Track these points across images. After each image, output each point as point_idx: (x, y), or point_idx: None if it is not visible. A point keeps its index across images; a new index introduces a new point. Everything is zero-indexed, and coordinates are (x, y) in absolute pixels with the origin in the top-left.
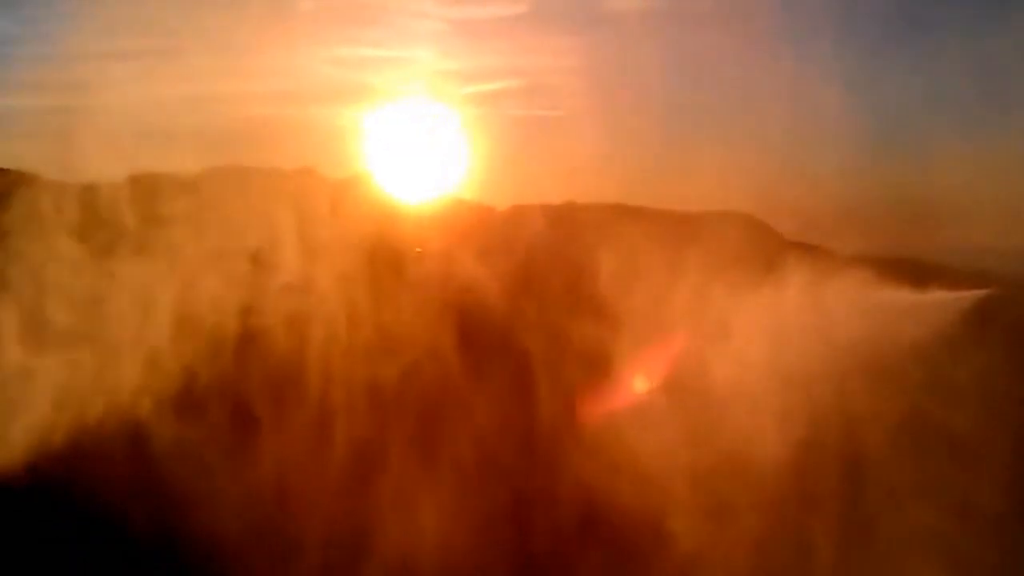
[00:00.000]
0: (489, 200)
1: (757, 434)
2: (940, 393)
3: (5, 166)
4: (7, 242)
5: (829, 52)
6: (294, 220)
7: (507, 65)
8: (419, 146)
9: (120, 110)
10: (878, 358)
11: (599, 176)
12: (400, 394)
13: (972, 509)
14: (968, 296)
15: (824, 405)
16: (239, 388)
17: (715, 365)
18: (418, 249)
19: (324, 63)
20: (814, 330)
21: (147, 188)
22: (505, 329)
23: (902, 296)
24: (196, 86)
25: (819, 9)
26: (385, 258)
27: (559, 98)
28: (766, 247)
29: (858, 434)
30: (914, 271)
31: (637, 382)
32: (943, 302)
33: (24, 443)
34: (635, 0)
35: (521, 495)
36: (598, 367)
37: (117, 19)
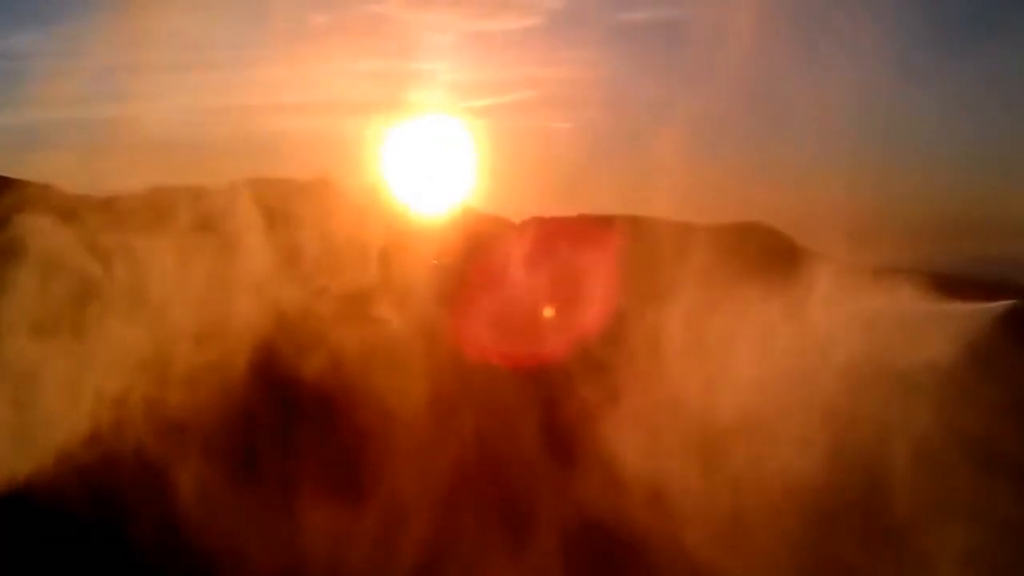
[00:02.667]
0: (505, 212)
1: (780, 452)
2: (969, 405)
3: (31, 179)
4: (31, 253)
5: (856, 61)
6: (311, 230)
7: (522, 77)
8: (434, 157)
9: (145, 122)
10: (904, 369)
11: (614, 188)
12: (422, 406)
13: (1009, 526)
14: (997, 307)
15: (849, 419)
16: (253, 405)
17: (737, 379)
18: (435, 261)
19: (341, 76)
20: (837, 341)
21: (169, 200)
22: (530, 340)
23: (929, 306)
24: (216, 99)
25: (847, 17)
26: (403, 269)
27: (573, 110)
28: (786, 258)
29: (886, 449)
30: (939, 283)
31: (657, 397)
32: (971, 313)
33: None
34: (649, 11)
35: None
36: (616, 381)
37: (142, 33)
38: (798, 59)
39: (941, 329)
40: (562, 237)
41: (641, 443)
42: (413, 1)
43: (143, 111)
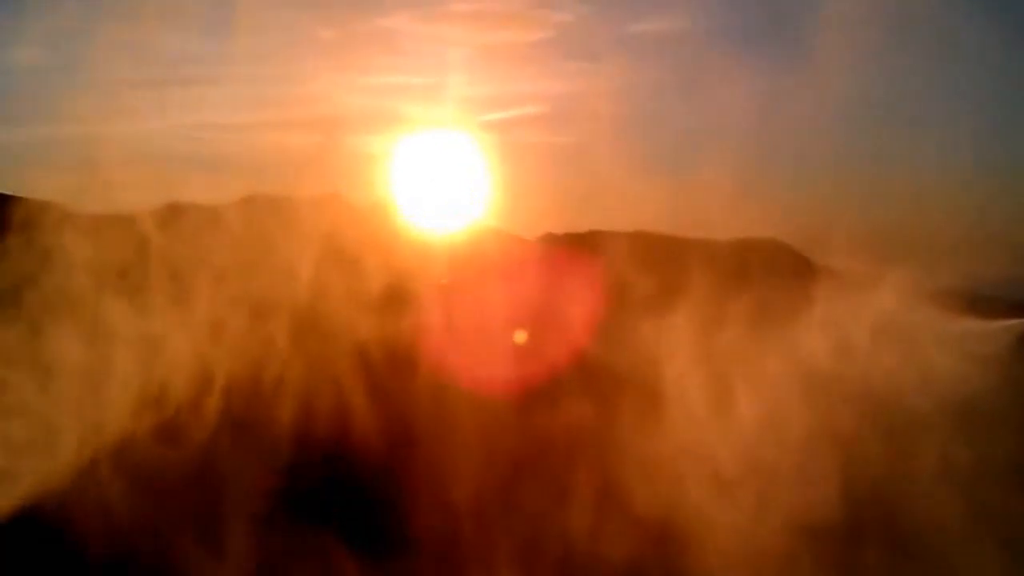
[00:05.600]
0: (516, 228)
1: (797, 480)
2: (993, 425)
3: (35, 196)
4: (34, 273)
5: (879, 71)
6: (321, 248)
7: (533, 90)
8: (444, 173)
9: (148, 139)
10: (924, 390)
11: (627, 203)
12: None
13: None
14: (1019, 324)
15: (868, 443)
16: (261, 432)
17: (753, 401)
18: (444, 279)
19: (349, 91)
20: (853, 361)
21: (176, 218)
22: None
23: (950, 325)
24: (222, 115)
25: (866, 26)
26: (411, 286)
27: (586, 123)
28: (800, 275)
29: (907, 475)
30: (960, 301)
31: (669, 419)
32: (994, 331)
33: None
34: (662, 23)
35: None
36: (632, 402)
37: (147, 48)
38: (816, 70)
39: (962, 348)
40: (575, 253)
41: (652, 475)
42: (421, 15)
43: (146, 127)
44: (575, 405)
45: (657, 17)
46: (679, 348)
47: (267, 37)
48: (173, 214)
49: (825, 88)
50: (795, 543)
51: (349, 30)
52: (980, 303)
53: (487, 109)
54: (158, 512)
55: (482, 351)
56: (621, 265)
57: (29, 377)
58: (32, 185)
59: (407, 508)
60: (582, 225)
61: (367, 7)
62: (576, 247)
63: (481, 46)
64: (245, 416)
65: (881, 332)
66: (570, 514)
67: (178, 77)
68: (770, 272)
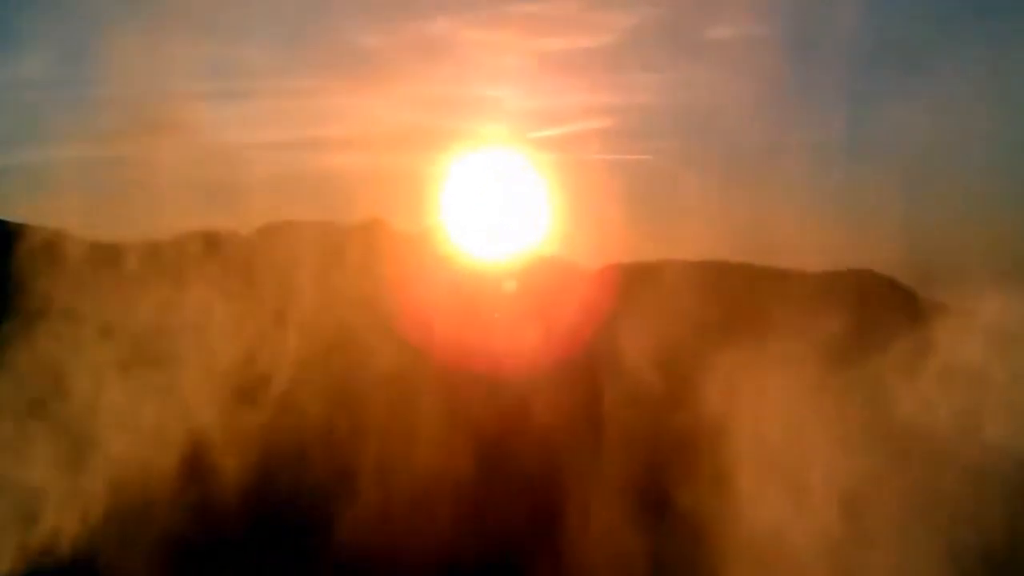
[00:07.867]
0: (575, 257)
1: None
2: None
3: (47, 224)
4: (51, 305)
5: (959, 82)
6: (358, 279)
7: (594, 103)
8: (497, 195)
9: (178, 160)
10: None
11: (698, 229)
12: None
13: None
14: None
15: (977, 496)
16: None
17: (855, 446)
18: (496, 314)
19: (394, 105)
20: (960, 405)
21: (205, 245)
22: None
23: None
24: (254, 134)
25: (940, 35)
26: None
27: (653, 140)
28: (898, 310)
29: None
30: None
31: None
32: None
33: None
34: (740, 27)
35: None
36: (706, 454)
37: (171, 60)
38: (914, 83)
39: None
40: (644, 286)
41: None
42: (472, 19)
43: (173, 147)
44: (643, 462)
45: (736, 21)
46: (754, 395)
47: (301, 47)
48: (202, 244)
49: (931, 101)
50: None
51: (394, 38)
52: None
53: (544, 124)
54: None
55: (542, 393)
56: (694, 299)
57: (41, 416)
58: (50, 212)
59: None
60: (650, 253)
61: (413, 12)
62: (643, 279)
63: (537, 54)
64: (282, 474)
65: (991, 374)
66: None
67: (205, 92)
68: (864, 307)
